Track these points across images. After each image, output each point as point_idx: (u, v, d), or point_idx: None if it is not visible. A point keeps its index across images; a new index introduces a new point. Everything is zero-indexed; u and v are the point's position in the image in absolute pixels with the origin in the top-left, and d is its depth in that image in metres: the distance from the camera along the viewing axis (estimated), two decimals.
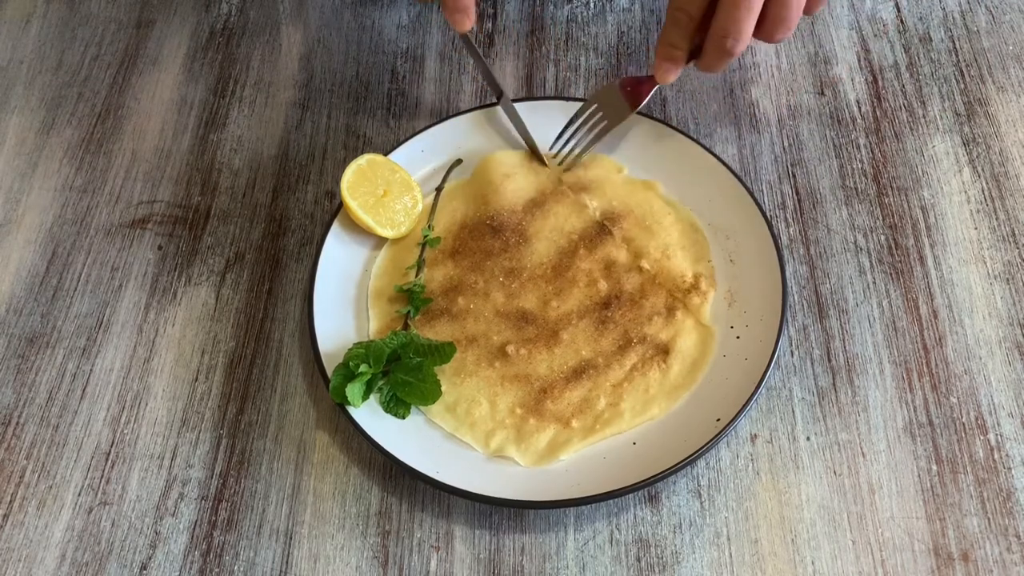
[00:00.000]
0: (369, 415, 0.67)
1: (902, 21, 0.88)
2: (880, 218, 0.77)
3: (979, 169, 0.79)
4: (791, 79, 0.85)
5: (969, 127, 0.81)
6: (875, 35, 0.87)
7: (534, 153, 0.80)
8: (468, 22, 0.74)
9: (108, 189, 0.82)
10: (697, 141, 0.77)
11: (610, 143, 0.79)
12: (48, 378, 0.73)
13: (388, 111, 0.85)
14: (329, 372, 0.68)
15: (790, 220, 0.77)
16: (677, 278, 0.73)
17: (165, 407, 0.71)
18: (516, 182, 0.78)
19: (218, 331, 0.74)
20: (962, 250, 0.75)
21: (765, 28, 0.69)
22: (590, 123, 0.77)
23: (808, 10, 0.70)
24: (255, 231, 0.79)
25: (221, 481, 0.68)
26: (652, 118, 0.79)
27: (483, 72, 0.82)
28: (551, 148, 0.79)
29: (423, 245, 0.76)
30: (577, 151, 0.78)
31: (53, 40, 0.92)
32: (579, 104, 0.79)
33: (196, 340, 0.74)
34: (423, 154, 0.79)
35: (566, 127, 0.78)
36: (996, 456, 0.66)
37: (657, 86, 0.75)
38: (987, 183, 0.78)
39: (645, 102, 0.75)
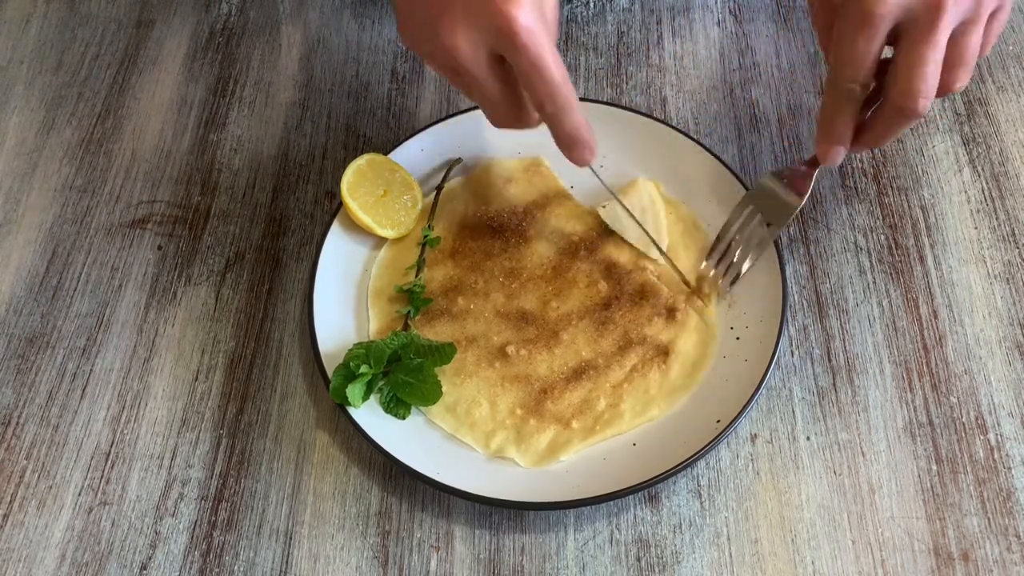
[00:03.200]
0: (369, 415, 0.67)
1: None
2: (880, 218, 0.77)
3: (979, 169, 0.79)
4: (791, 79, 0.85)
5: (969, 127, 0.81)
6: None
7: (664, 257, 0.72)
8: (591, 156, 0.64)
9: (108, 189, 0.82)
10: (697, 141, 0.77)
11: (610, 145, 0.79)
12: (48, 378, 0.73)
13: (388, 111, 0.85)
14: (329, 372, 0.68)
15: (790, 220, 0.77)
16: (679, 279, 0.73)
17: (165, 407, 0.71)
18: (518, 186, 0.78)
19: (218, 331, 0.74)
20: (962, 250, 0.75)
21: (944, 77, 0.59)
22: (749, 227, 0.68)
23: (985, 45, 0.61)
24: (255, 231, 0.79)
25: (221, 481, 0.68)
26: (652, 118, 0.79)
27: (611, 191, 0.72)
28: (705, 265, 0.71)
29: (423, 245, 0.76)
30: (745, 268, 0.69)
31: (53, 40, 0.92)
32: (583, 105, 0.78)
33: (196, 340, 0.74)
34: (423, 153, 0.79)
35: (719, 239, 0.69)
36: (996, 456, 0.66)
37: (819, 169, 0.67)
38: (987, 183, 0.78)
39: (810, 190, 0.67)
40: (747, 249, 0.69)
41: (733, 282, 0.71)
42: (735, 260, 0.70)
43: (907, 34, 0.58)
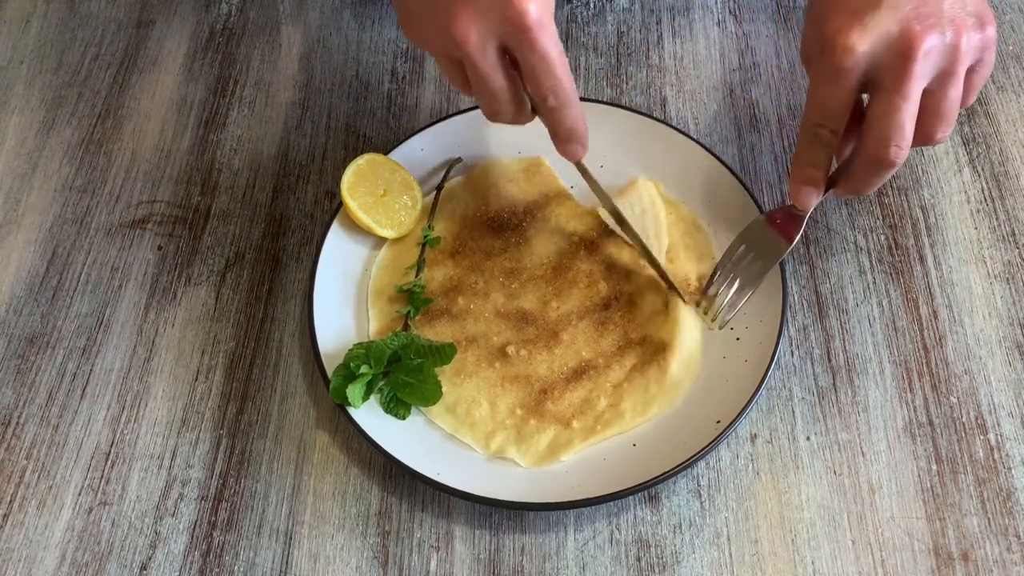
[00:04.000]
0: (369, 415, 0.67)
1: None
2: (880, 218, 0.77)
3: (979, 169, 0.79)
4: (791, 79, 0.85)
5: (969, 127, 0.81)
6: None
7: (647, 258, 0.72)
8: (583, 151, 0.65)
9: (108, 189, 0.82)
10: (697, 141, 0.77)
11: (611, 145, 0.79)
12: (48, 378, 0.73)
13: (388, 111, 0.85)
14: (329, 372, 0.68)
15: None
16: (681, 280, 0.73)
17: (165, 407, 0.71)
18: (518, 186, 0.78)
19: (218, 331, 0.74)
20: (962, 250, 0.75)
21: (921, 129, 0.60)
22: (741, 266, 0.69)
23: (967, 96, 0.61)
24: (255, 231, 0.79)
25: (221, 481, 0.68)
26: (652, 118, 0.79)
27: (597, 192, 0.71)
28: (701, 302, 0.71)
29: (423, 245, 0.76)
30: (741, 304, 0.69)
31: (53, 40, 0.92)
32: (582, 105, 0.78)
33: (196, 340, 0.74)
34: (423, 153, 0.79)
35: (715, 273, 0.71)
36: (996, 456, 0.66)
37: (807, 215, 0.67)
38: (987, 183, 0.78)
39: (799, 235, 0.68)
40: (742, 284, 0.70)
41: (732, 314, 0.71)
42: (732, 293, 0.70)
43: (878, 84, 0.59)
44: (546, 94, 0.61)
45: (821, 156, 0.63)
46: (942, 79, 0.59)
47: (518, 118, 0.65)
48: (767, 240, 0.69)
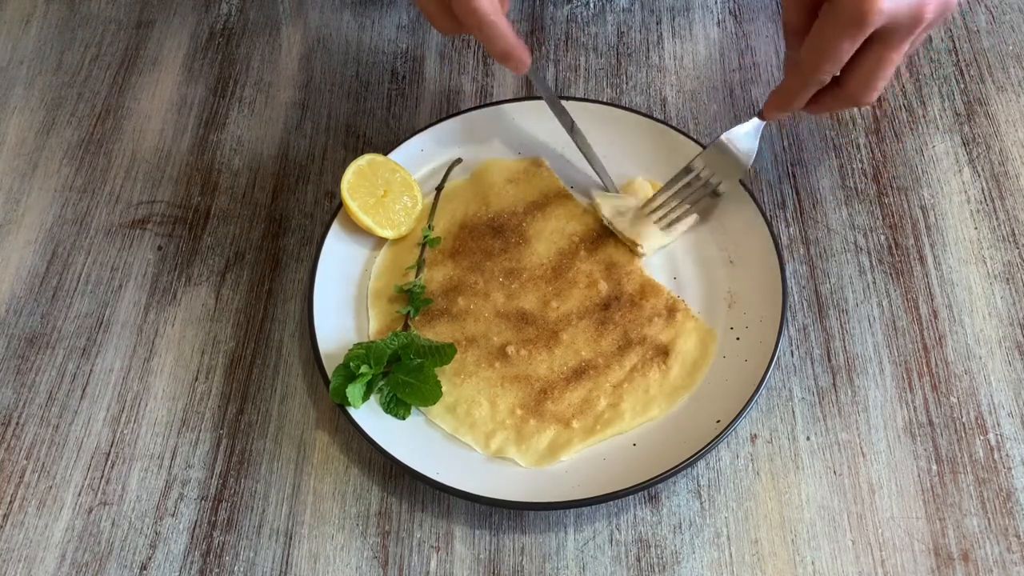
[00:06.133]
0: (369, 416, 0.67)
1: None
2: (880, 218, 0.77)
3: (979, 169, 0.79)
4: None
5: (969, 127, 0.81)
6: None
7: (604, 183, 0.77)
8: (525, 63, 0.69)
9: (108, 189, 0.82)
10: (697, 142, 0.77)
11: (610, 145, 0.79)
12: (48, 378, 0.73)
13: (388, 111, 0.85)
14: (329, 373, 0.68)
15: (790, 220, 0.77)
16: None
17: (165, 407, 0.71)
18: (518, 186, 0.78)
19: (218, 331, 0.74)
20: (962, 250, 0.75)
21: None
22: (699, 183, 0.73)
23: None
24: (255, 231, 0.79)
25: (221, 481, 0.68)
26: (652, 118, 0.79)
27: (549, 101, 0.76)
28: (648, 205, 0.74)
29: (423, 245, 0.76)
30: (679, 214, 0.74)
31: (53, 40, 0.92)
32: (580, 104, 0.79)
33: (196, 340, 0.74)
34: (423, 154, 0.79)
35: (669, 185, 0.74)
36: (996, 456, 0.66)
37: (762, 126, 0.72)
38: (987, 183, 0.78)
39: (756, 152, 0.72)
40: (692, 203, 0.74)
41: (669, 225, 0.74)
42: (677, 208, 0.74)
43: (884, 38, 0.61)
44: (461, 17, 0.65)
45: (811, 92, 0.66)
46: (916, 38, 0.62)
47: (455, 31, 0.69)
48: (730, 159, 0.72)
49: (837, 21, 0.60)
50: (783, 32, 0.67)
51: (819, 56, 0.62)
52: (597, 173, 0.77)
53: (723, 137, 0.72)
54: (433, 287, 0.74)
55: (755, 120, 0.72)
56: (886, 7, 0.58)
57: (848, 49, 0.61)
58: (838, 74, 0.64)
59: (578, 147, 0.77)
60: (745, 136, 0.72)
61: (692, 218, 0.75)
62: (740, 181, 0.74)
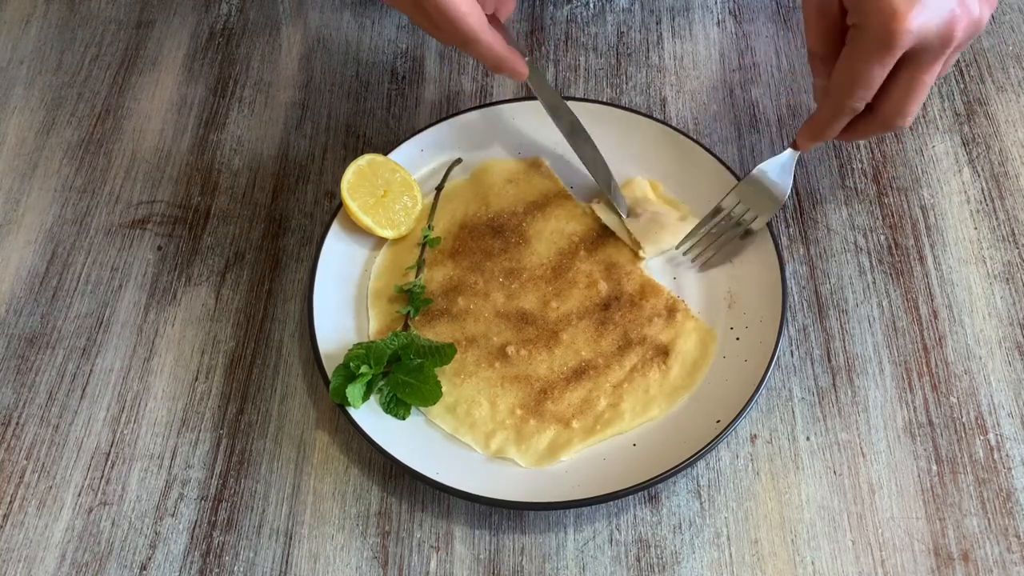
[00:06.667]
0: (369, 416, 0.67)
1: None
2: (880, 218, 0.77)
3: (979, 169, 0.79)
4: (791, 79, 0.85)
5: (969, 127, 0.81)
6: None
7: (603, 188, 0.76)
8: (520, 72, 0.69)
9: (108, 189, 0.82)
10: (697, 141, 0.77)
11: (610, 145, 0.79)
12: (48, 378, 0.73)
13: (388, 111, 0.85)
14: (329, 373, 0.68)
15: (790, 220, 0.77)
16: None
17: (165, 407, 0.71)
18: (518, 186, 0.78)
19: (218, 331, 0.74)
20: (962, 250, 0.75)
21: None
22: (732, 221, 0.72)
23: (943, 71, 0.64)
24: (255, 231, 0.79)
25: (221, 481, 0.68)
26: (652, 118, 0.79)
27: (549, 108, 0.75)
28: (682, 245, 0.74)
29: (423, 245, 0.76)
30: (713, 252, 0.73)
31: (53, 40, 0.92)
32: (580, 104, 0.79)
33: (196, 340, 0.74)
34: (423, 154, 0.79)
35: (703, 222, 0.73)
36: (996, 456, 0.66)
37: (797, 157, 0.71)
38: (987, 183, 0.78)
39: (792, 181, 0.71)
40: (728, 241, 0.73)
41: (703, 264, 0.74)
42: (712, 247, 0.73)
43: (914, 60, 0.60)
44: (448, 36, 0.66)
45: (845, 121, 0.65)
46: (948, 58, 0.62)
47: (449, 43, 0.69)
48: (765, 193, 0.71)
49: (866, 46, 0.59)
50: (808, 60, 0.66)
51: (851, 83, 0.61)
52: (597, 180, 0.76)
53: (757, 171, 0.71)
54: (433, 287, 0.74)
55: (789, 151, 0.70)
56: (915, 27, 0.57)
57: (880, 74, 0.60)
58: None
59: (578, 154, 0.76)
60: (780, 168, 0.71)
61: (694, 221, 0.75)
62: (738, 180, 0.74)
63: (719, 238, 0.73)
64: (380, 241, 0.77)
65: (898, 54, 0.59)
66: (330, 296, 0.73)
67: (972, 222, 0.76)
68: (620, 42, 0.89)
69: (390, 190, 0.76)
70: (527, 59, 0.70)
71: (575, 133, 0.76)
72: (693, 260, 0.74)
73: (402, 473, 0.67)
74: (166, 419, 0.71)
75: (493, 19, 0.70)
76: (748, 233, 0.72)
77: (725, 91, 0.85)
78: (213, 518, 0.67)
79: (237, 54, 0.90)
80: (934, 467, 0.66)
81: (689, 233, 0.74)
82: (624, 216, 0.75)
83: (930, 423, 0.68)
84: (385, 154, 0.77)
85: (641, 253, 0.74)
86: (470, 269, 0.75)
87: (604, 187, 0.76)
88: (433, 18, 0.64)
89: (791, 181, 0.71)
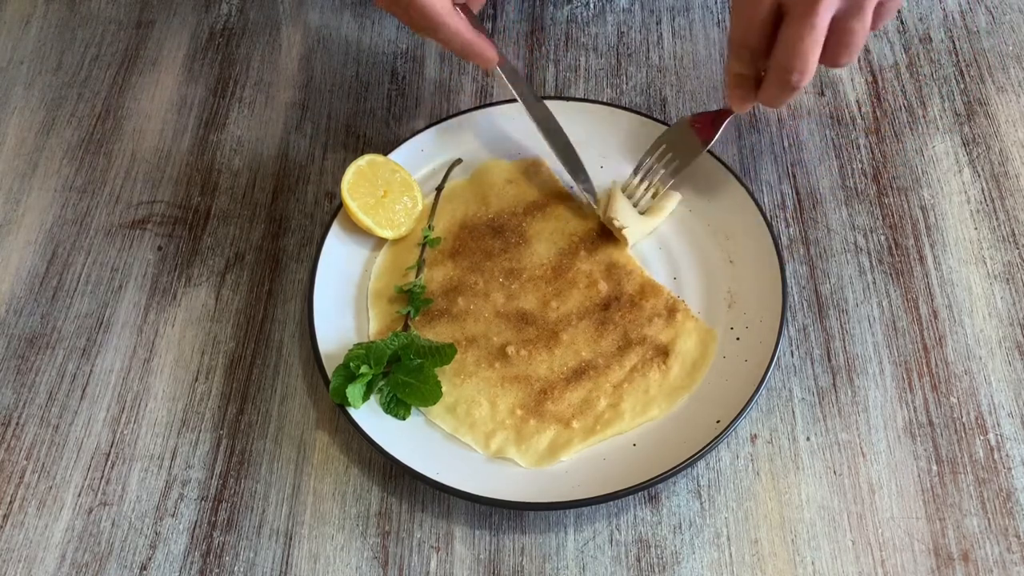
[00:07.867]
0: (369, 416, 0.67)
1: (902, 21, 0.88)
2: (880, 218, 0.77)
3: (979, 169, 0.79)
4: None
5: (969, 127, 0.81)
6: (875, 35, 0.87)
7: (574, 179, 0.77)
8: (487, 58, 0.72)
9: (108, 189, 0.82)
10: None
11: (611, 144, 0.79)
12: (48, 378, 0.73)
13: (388, 111, 0.85)
14: (329, 373, 0.68)
15: (790, 220, 0.77)
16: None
17: (165, 407, 0.71)
18: (518, 186, 0.78)
19: (218, 332, 0.74)
20: (962, 250, 0.75)
21: (828, 54, 0.63)
22: (662, 163, 0.75)
23: (874, 25, 0.64)
24: (255, 231, 0.79)
25: (221, 482, 0.68)
26: (652, 119, 0.79)
27: (522, 97, 0.76)
28: (624, 187, 0.76)
29: (423, 245, 0.76)
30: (649, 195, 0.75)
31: (53, 40, 0.92)
32: (580, 104, 0.79)
33: (196, 341, 0.74)
34: (423, 154, 0.79)
35: (636, 168, 0.76)
36: (996, 456, 0.66)
37: (731, 117, 0.73)
38: (987, 183, 0.78)
39: (718, 136, 0.73)
40: (656, 179, 0.75)
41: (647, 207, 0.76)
42: (648, 185, 0.76)
43: (788, 14, 0.62)
44: (416, 23, 0.69)
45: (745, 67, 0.67)
46: (850, 10, 0.62)
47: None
48: (686, 141, 0.74)
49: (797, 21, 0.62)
50: (729, 48, 0.68)
51: (734, 32, 0.66)
52: (568, 171, 0.77)
53: (683, 119, 0.75)
54: (433, 287, 0.74)
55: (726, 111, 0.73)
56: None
57: (751, 23, 0.64)
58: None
59: (550, 145, 0.76)
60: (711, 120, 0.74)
61: (675, 198, 0.76)
62: (738, 180, 0.74)
63: (652, 181, 0.75)
64: (380, 241, 0.77)
65: (763, 2, 0.62)
66: (330, 296, 0.73)
67: (972, 222, 0.76)
68: (620, 42, 0.89)
69: (390, 190, 0.76)
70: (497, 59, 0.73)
71: (546, 123, 0.77)
72: (636, 206, 0.76)
73: (402, 473, 0.67)
74: (166, 419, 0.71)
75: (464, 8, 0.73)
76: (675, 173, 0.75)
77: (725, 91, 0.84)
78: (213, 518, 0.67)
79: (237, 54, 0.90)
80: (934, 467, 0.66)
81: (626, 180, 0.76)
82: (593, 203, 0.76)
83: (930, 423, 0.68)
84: (385, 154, 0.77)
85: (624, 232, 0.74)
86: (470, 269, 0.75)
87: (573, 175, 0.77)
88: (402, 3, 0.68)
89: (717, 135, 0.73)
